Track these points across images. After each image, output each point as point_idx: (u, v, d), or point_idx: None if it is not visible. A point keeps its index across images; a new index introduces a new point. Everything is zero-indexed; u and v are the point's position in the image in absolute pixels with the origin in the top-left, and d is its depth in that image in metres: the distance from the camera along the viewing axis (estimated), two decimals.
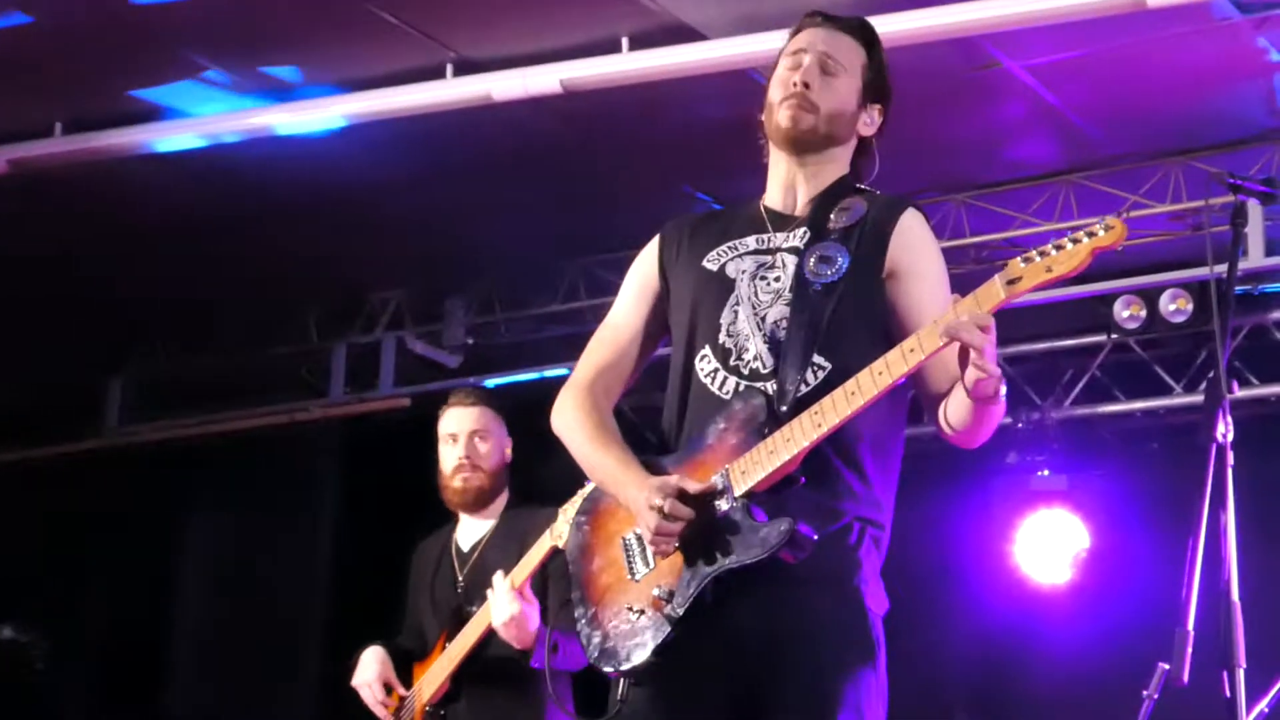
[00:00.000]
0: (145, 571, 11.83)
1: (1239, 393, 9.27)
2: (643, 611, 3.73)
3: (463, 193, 9.24)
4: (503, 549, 5.89)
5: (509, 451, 6.14)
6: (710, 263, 3.94)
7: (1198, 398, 9.54)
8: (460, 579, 6.05)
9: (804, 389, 3.72)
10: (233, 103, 8.22)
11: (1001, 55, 7.86)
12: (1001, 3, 7.23)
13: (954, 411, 3.71)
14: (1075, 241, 3.50)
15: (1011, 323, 9.81)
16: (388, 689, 6.03)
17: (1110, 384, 10.04)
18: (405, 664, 6.08)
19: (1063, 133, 8.68)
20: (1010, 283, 3.50)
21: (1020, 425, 10.04)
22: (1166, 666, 3.97)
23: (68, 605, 12.02)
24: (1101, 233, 3.49)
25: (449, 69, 7.90)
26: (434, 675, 5.93)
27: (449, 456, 6.10)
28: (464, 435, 6.08)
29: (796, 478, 3.68)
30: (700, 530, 3.68)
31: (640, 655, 3.71)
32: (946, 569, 10.23)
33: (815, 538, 3.62)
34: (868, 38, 4.09)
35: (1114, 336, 9.45)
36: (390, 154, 8.73)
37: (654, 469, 3.81)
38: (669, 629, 3.69)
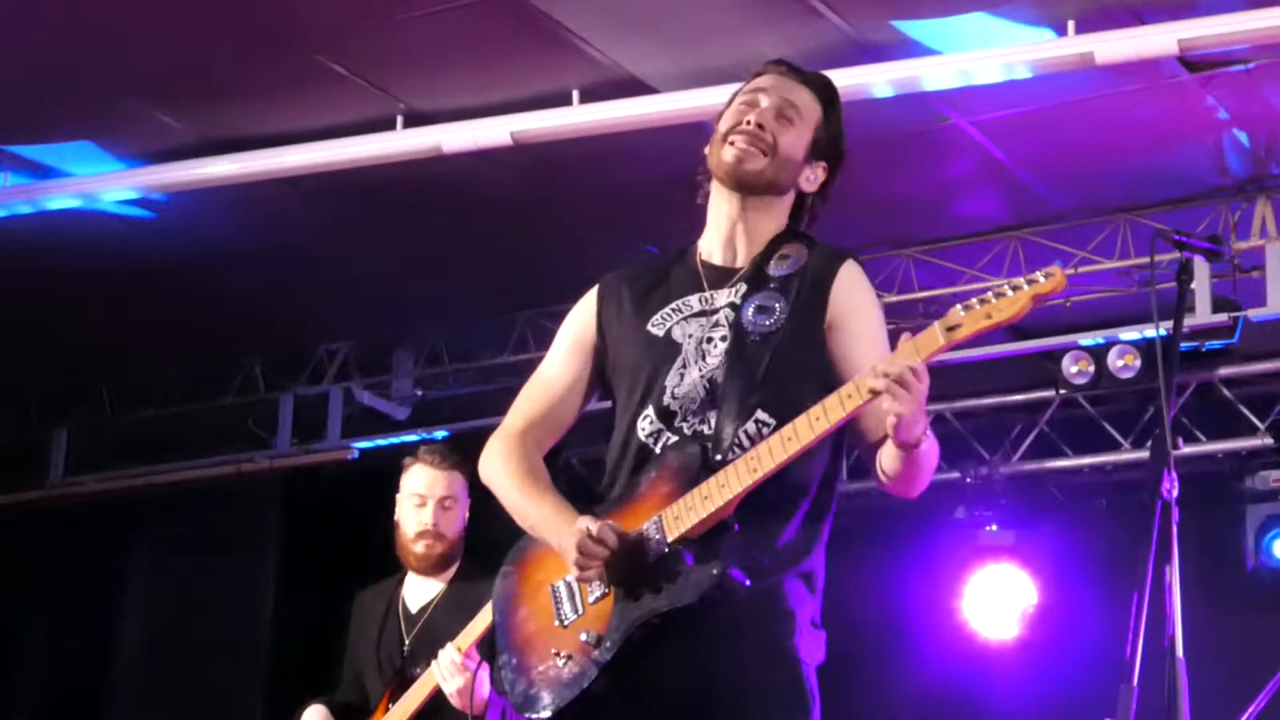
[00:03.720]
0: (88, 623, 11.76)
1: (1185, 449, 9.40)
2: (570, 657, 3.69)
3: (411, 244, 9.23)
4: (451, 618, 5.79)
5: (466, 515, 6.04)
6: (655, 327, 3.90)
7: (1145, 454, 9.58)
8: (407, 641, 5.98)
9: (745, 440, 3.69)
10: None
11: (950, 111, 7.90)
12: (950, 59, 7.27)
13: (887, 459, 3.68)
14: (1015, 289, 3.50)
15: (960, 378, 9.92)
16: None
17: (1058, 440, 10.07)
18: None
19: (1010, 188, 8.72)
20: (950, 329, 3.50)
21: (968, 480, 10.05)
22: None
23: (10, 656, 11.92)
24: (1042, 279, 3.50)
25: (399, 121, 7.90)
26: None
27: (412, 518, 5.98)
28: (433, 501, 5.94)
29: (730, 524, 3.64)
30: (631, 575, 3.65)
31: (566, 699, 3.67)
32: (894, 623, 10.22)
33: (749, 584, 3.59)
34: (827, 96, 4.04)
35: (1062, 392, 9.46)
36: (339, 204, 8.72)
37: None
38: (595, 673, 3.65)
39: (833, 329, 3.82)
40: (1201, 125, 8.07)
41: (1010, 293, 3.51)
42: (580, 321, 4.06)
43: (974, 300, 3.52)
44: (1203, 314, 8.63)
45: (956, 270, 9.32)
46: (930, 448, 3.64)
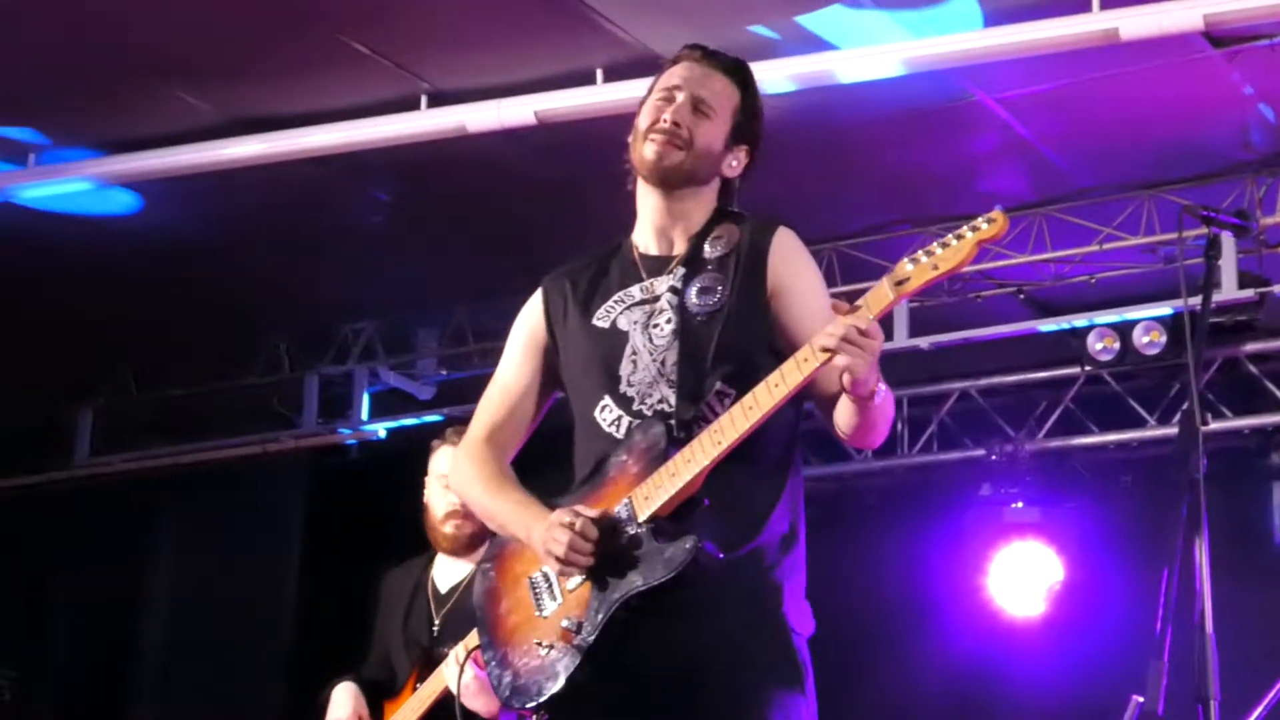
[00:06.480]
0: (112, 602, 11.79)
1: (1211, 425, 9.38)
2: (552, 645, 3.73)
3: (435, 224, 9.24)
4: None
5: None
6: (600, 320, 3.96)
7: (1170, 430, 9.56)
8: (436, 621, 5.97)
9: (708, 413, 3.75)
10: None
11: (974, 88, 7.88)
12: (974, 36, 7.25)
13: (843, 413, 3.73)
14: (959, 237, 3.56)
15: (984, 356, 9.91)
16: None
17: (1083, 417, 10.05)
18: (374, 697, 6.02)
19: (1035, 165, 8.70)
20: (898, 284, 3.57)
21: (994, 458, 10.04)
22: (1141, 699, 3.96)
23: (34, 635, 11.96)
24: (984, 226, 3.55)
25: (423, 100, 7.90)
26: (403, 717, 5.87)
27: (440, 500, 5.98)
28: None
29: (700, 499, 3.68)
30: (606, 558, 3.69)
31: (552, 688, 3.70)
32: (920, 601, 10.22)
33: (721, 556, 3.63)
34: (743, 79, 4.08)
35: (1087, 369, 9.45)
36: (363, 184, 8.73)
37: (555, 509, 3.82)
38: (580, 659, 3.68)
39: (775, 297, 3.87)
40: (1227, 101, 8.04)
41: (955, 242, 3.56)
42: (529, 323, 4.12)
43: (919, 253, 3.58)
44: (1229, 289, 8.62)
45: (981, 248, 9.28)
46: (884, 400, 3.69)
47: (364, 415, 10.83)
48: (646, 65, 7.44)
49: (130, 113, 8.08)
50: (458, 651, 5.61)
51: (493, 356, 10.80)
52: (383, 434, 10.81)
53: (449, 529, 5.95)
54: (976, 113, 8.11)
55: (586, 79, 7.64)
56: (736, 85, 4.05)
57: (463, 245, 9.49)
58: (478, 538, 5.94)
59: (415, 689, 5.85)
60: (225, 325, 10.61)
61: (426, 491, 6.05)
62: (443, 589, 6.02)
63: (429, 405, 10.81)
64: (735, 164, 4.03)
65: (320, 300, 10.35)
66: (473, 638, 5.59)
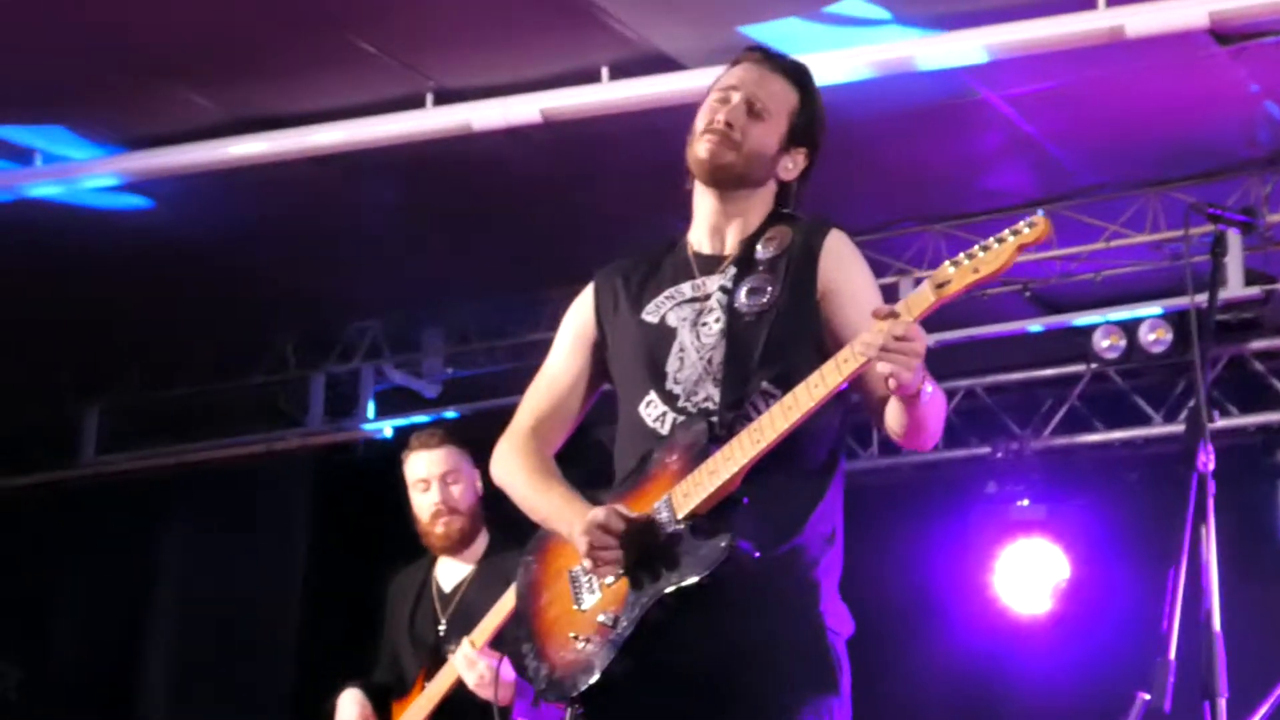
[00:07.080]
0: (118, 601, 11.80)
1: (1218, 423, 9.36)
2: (589, 640, 3.75)
3: (441, 222, 9.24)
4: (484, 593, 5.82)
5: (480, 485, 6.03)
6: (650, 314, 3.98)
7: (1177, 428, 9.57)
8: (442, 619, 6.00)
9: (752, 412, 3.75)
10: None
11: (979, 85, 7.88)
12: (980, 33, 7.25)
13: (893, 414, 3.74)
14: (1000, 241, 3.55)
15: (990, 353, 9.90)
16: None
17: (1089, 414, 10.05)
18: (383, 701, 6.04)
19: (1040, 163, 8.69)
20: (939, 286, 3.56)
21: (999, 455, 10.04)
22: (1147, 697, 3.97)
23: (40, 635, 11.97)
24: (1026, 230, 3.54)
25: (429, 98, 7.90)
26: (413, 715, 5.89)
27: (423, 503, 6.03)
28: (435, 480, 6.00)
29: (739, 498, 3.69)
30: (644, 555, 3.70)
31: (588, 681, 3.72)
32: (926, 599, 10.22)
33: (757, 555, 3.64)
34: (802, 82, 4.09)
35: (1093, 366, 9.46)
36: (369, 183, 8.73)
37: (598, 503, 3.84)
38: (615, 653, 3.70)
39: (825, 298, 3.89)
40: (1232, 98, 8.03)
41: (996, 245, 3.55)
42: (579, 317, 4.14)
43: (961, 256, 3.58)
44: (1235, 287, 8.62)
45: None
46: (934, 398, 3.70)
47: (370, 414, 10.85)
48: (652, 64, 7.48)
49: (137, 112, 8.08)
50: (465, 648, 5.63)
51: (499, 355, 10.91)
52: (389, 433, 10.81)
53: (439, 529, 5.99)
54: (981, 110, 8.10)
55: (592, 77, 7.64)
56: (795, 88, 4.06)
57: (468, 243, 9.49)
58: (468, 533, 5.99)
59: (424, 687, 5.87)
60: (231, 324, 10.61)
61: (412, 502, 6.09)
62: (446, 588, 6.05)
63: (435, 404, 10.81)
64: (791, 167, 4.05)
65: (326, 299, 10.35)
66: (476, 633, 5.63)
